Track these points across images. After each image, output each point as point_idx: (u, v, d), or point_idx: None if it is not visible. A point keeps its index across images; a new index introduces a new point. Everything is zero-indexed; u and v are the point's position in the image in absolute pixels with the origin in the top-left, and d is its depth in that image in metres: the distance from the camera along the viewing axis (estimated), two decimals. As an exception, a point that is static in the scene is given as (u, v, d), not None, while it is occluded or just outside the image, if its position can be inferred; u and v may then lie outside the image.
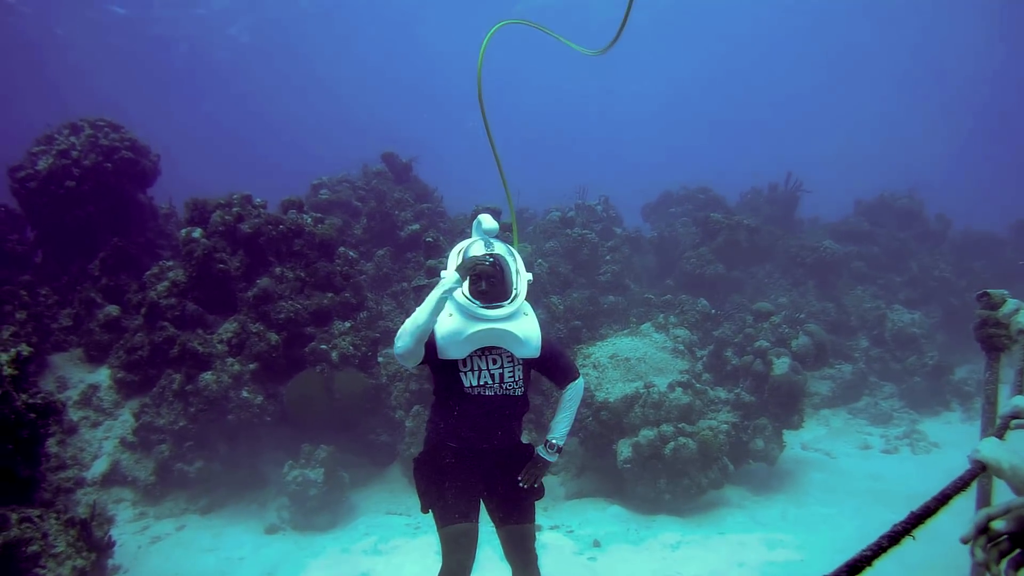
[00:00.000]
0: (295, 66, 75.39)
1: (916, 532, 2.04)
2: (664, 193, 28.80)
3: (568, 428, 6.09)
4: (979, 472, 2.69)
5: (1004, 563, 2.30)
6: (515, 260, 5.92)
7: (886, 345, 18.67)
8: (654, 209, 28.49)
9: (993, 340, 5.70)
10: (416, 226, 17.69)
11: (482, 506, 6.13)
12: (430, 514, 5.94)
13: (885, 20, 64.57)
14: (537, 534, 9.96)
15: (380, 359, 13.49)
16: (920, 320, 19.10)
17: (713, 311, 16.21)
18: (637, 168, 53.89)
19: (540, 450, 6.04)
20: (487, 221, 5.99)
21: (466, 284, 5.66)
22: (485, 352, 5.72)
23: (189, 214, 14.84)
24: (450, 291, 5.48)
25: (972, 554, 2.41)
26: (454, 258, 5.88)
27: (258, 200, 14.99)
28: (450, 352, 5.60)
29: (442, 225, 18.53)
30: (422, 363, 5.68)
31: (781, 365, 13.12)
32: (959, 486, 2.37)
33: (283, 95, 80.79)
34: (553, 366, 6.00)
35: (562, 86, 78.44)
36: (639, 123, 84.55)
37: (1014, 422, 3.23)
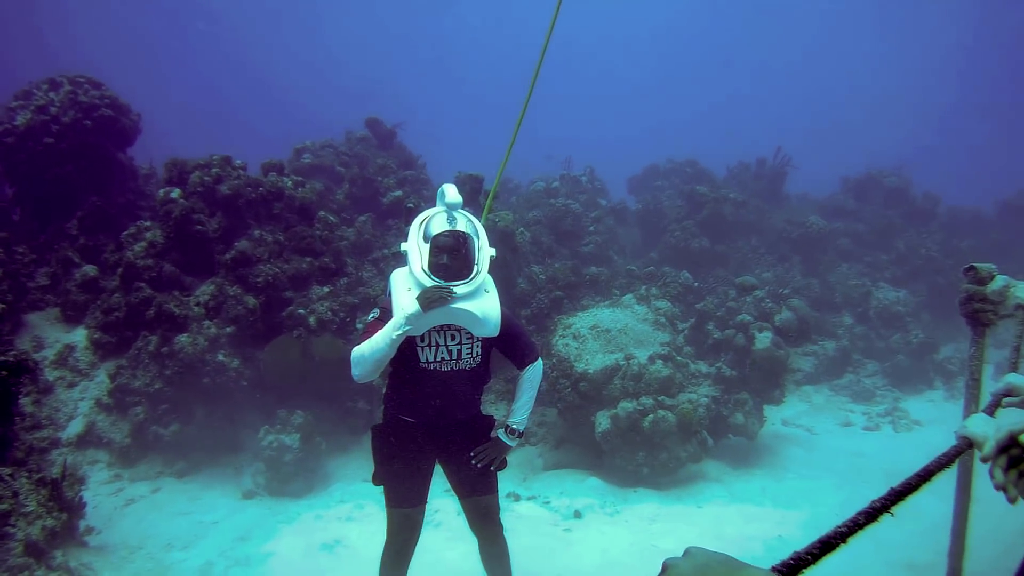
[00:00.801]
0: (283, 27, 75.13)
1: (896, 509, 1.94)
2: (651, 166, 28.73)
3: (529, 411, 6.08)
4: (964, 449, 2.59)
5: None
6: (479, 235, 5.77)
7: (870, 323, 18.65)
8: (640, 182, 28.42)
9: (979, 315, 5.61)
10: (399, 192, 17.54)
11: (443, 478, 6.12)
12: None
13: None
14: (514, 504, 9.91)
15: (359, 325, 13.36)
16: (905, 298, 19.08)
17: (696, 284, 16.15)
18: (624, 141, 53.69)
19: (500, 434, 6.02)
20: (450, 193, 5.82)
21: (426, 256, 5.52)
22: (444, 328, 5.64)
23: (168, 174, 14.68)
24: (407, 333, 5.41)
25: (991, 475, 2.40)
26: (416, 229, 5.70)
27: (238, 162, 14.82)
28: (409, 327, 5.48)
29: (425, 192, 18.37)
30: None
31: (763, 339, 13.04)
32: (943, 463, 2.28)
33: (269, 56, 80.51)
34: (512, 346, 5.96)
35: (553, 51, 78.39)
36: (628, 94, 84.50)
37: (1006, 400, 3.12)
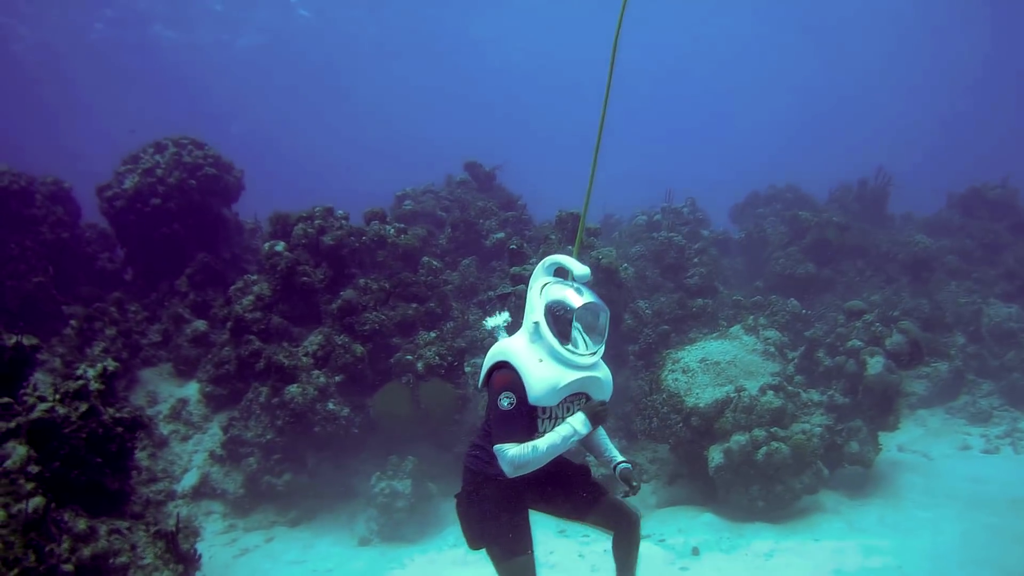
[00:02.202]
0: (385, 81, 75.86)
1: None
2: (751, 193, 28.48)
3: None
4: None
5: None
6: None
7: (983, 341, 18.22)
8: (741, 210, 28.16)
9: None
10: (501, 234, 17.59)
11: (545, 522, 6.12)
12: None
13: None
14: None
15: (467, 369, 13.39)
16: (1018, 314, 18.61)
17: (804, 311, 15.95)
18: (725, 171, 53.40)
19: (626, 467, 5.97)
20: (578, 268, 5.70)
21: (550, 325, 5.53)
22: (568, 399, 5.60)
23: (272, 228, 14.92)
24: (580, 436, 5.44)
25: None
26: (536, 297, 5.68)
27: (340, 212, 15.01)
28: (544, 400, 5.44)
29: (527, 232, 18.39)
30: None
31: (875, 365, 12.82)
32: None
33: (370, 111, 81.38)
34: None
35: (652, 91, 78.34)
36: (729, 127, 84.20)
37: None
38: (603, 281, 13.89)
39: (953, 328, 18.75)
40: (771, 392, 11.75)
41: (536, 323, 5.52)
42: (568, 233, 14.72)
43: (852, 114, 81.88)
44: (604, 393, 5.61)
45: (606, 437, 6.11)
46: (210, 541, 11.18)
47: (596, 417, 5.42)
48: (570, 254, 5.86)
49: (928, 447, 14.36)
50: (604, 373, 5.66)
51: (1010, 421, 15.52)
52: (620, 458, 5.99)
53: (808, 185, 27.87)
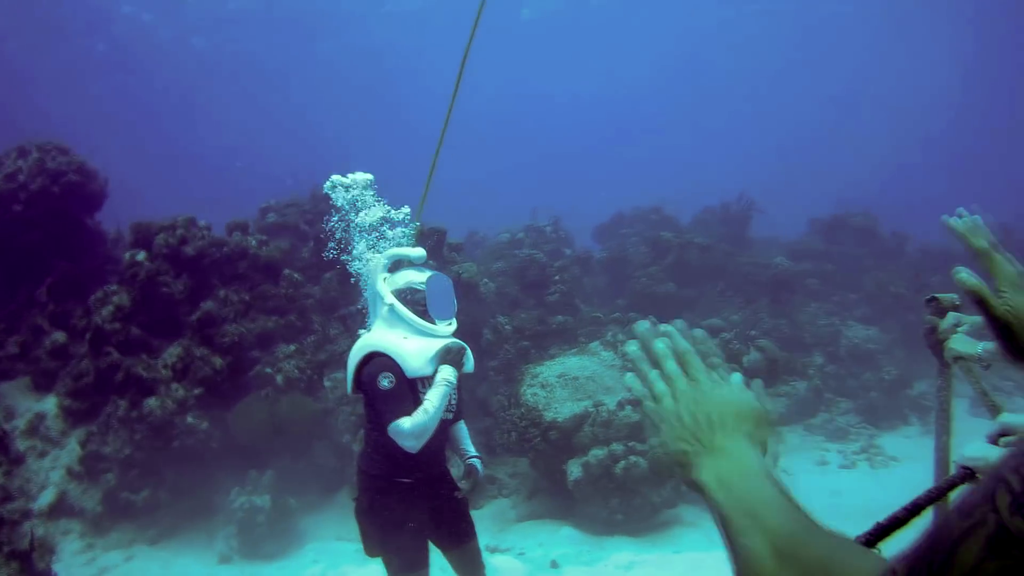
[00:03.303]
0: (249, 84, 75.06)
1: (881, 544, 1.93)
2: (616, 214, 28.91)
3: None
4: (964, 479, 2.54)
5: None
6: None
7: (842, 362, 18.66)
8: (606, 230, 28.54)
9: (943, 347, 5.62)
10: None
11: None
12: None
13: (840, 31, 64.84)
14: (489, 556, 9.91)
15: (327, 383, 13.34)
16: (876, 336, 19.09)
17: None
18: (591, 189, 53.90)
19: (475, 462, 6.18)
20: (413, 252, 6.15)
21: (405, 304, 5.85)
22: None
23: (133, 236, 14.63)
24: (454, 385, 5.75)
25: None
26: (382, 288, 5.98)
27: (202, 222, 14.79)
28: (421, 370, 5.70)
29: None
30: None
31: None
32: (934, 495, 2.22)
33: (237, 112, 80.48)
34: None
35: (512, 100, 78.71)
36: (594, 143, 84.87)
37: (1002, 440, 3.12)
38: (463, 295, 13.94)
39: (812, 348, 19.16)
40: (629, 407, 11.89)
41: (390, 305, 5.81)
42: (432, 245, 14.78)
43: (717, 137, 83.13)
44: (470, 363, 5.98)
45: (467, 434, 6.33)
46: (68, 561, 10.98)
47: (456, 360, 5.79)
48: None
49: (787, 463, 14.59)
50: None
51: (867, 438, 15.92)
52: (473, 453, 6.23)
53: (672, 207, 28.33)
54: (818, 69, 72.75)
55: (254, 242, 14.82)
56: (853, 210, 26.71)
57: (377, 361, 5.74)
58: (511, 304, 16.80)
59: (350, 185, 6.57)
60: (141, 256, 13.79)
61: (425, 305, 5.86)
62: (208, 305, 13.24)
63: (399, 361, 5.64)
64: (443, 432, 5.93)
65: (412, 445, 5.51)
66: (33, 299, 15.91)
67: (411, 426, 5.44)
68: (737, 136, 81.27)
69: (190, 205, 15.97)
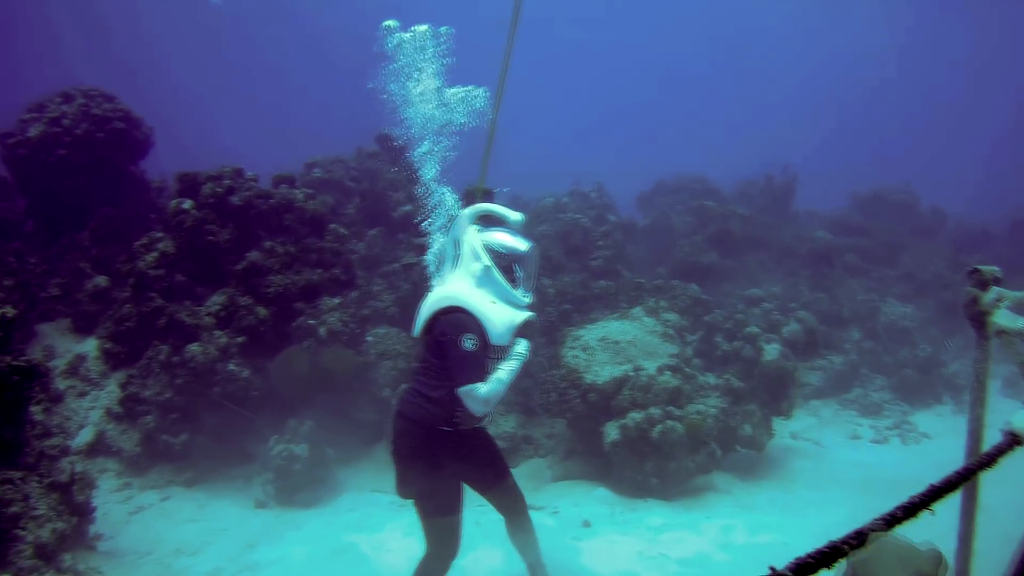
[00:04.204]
0: (291, 40, 74.98)
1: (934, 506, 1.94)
2: (658, 182, 28.76)
3: None
4: (1012, 445, 2.54)
5: None
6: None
7: (878, 338, 18.60)
8: (648, 198, 28.40)
9: (983, 319, 5.60)
10: (409, 207, 17.53)
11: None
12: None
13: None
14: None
15: (369, 338, 13.37)
16: (913, 313, 19.04)
17: (704, 296, 16.12)
18: (633, 159, 53.60)
19: None
20: (512, 215, 6.25)
21: (499, 269, 5.95)
22: None
23: (179, 186, 14.65)
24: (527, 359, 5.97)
25: None
26: (476, 243, 6.03)
27: (249, 174, 14.84)
28: (502, 339, 5.80)
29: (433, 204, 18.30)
30: None
31: (771, 351, 13.05)
32: (984, 461, 2.24)
33: (278, 70, 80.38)
34: None
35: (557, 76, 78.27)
36: (636, 113, 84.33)
37: None
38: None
39: (849, 323, 19.10)
40: (668, 372, 11.92)
41: (487, 267, 5.83)
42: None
43: (760, 112, 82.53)
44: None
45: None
46: (105, 498, 11.04)
47: (531, 335, 6.04)
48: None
49: (820, 436, 14.65)
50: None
51: (899, 414, 15.93)
52: None
53: (716, 179, 28.21)
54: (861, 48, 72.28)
55: (300, 195, 14.82)
56: (894, 186, 26.55)
57: (461, 318, 5.77)
58: (554, 268, 16.77)
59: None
60: (187, 204, 13.83)
61: (514, 273, 5.88)
62: (254, 255, 13.27)
63: (487, 326, 5.70)
64: None
65: (480, 410, 5.60)
66: (75, 243, 16.01)
67: (486, 393, 5.54)
68: (782, 108, 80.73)
69: (234, 159, 15.88)
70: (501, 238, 6.03)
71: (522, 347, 5.90)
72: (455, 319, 5.75)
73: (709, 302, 15.98)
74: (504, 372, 5.69)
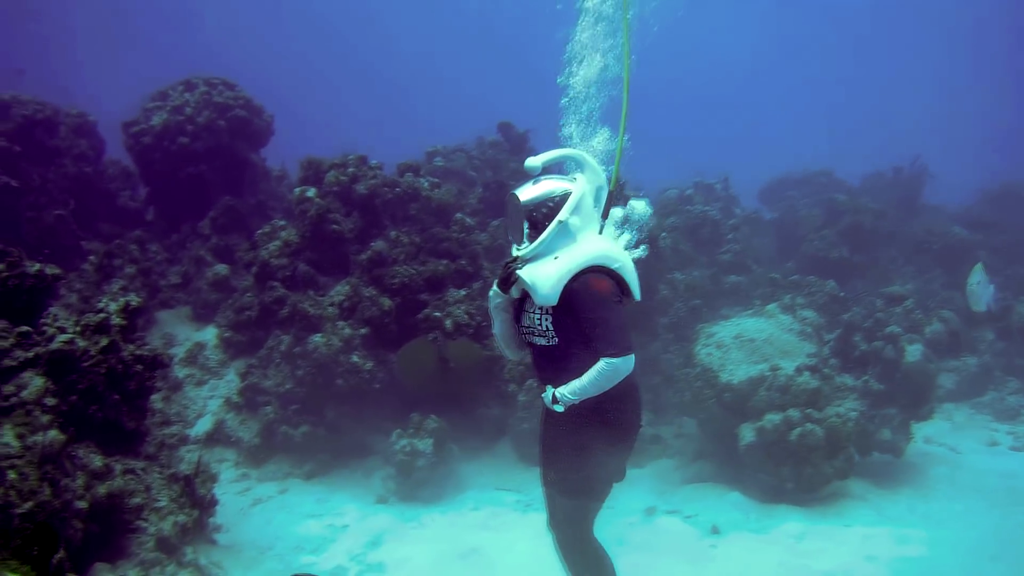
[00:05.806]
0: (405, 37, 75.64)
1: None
2: (782, 175, 28.24)
3: (576, 393, 5.14)
4: None
5: None
6: (551, 199, 5.40)
7: (1012, 339, 17.93)
8: (771, 191, 27.93)
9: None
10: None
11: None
12: (538, 490, 5.75)
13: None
14: (652, 518, 9.55)
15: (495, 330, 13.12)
16: (1049, 314, 18.36)
17: (841, 293, 15.63)
18: (753, 152, 53.07)
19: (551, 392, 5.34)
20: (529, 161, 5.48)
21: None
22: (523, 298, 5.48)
23: (303, 173, 14.59)
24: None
25: None
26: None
27: (374, 162, 14.66)
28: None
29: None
30: None
31: (914, 352, 12.51)
32: None
33: (396, 62, 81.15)
34: (578, 323, 5.21)
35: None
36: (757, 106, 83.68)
37: None
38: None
39: (982, 323, 18.45)
40: (807, 373, 11.47)
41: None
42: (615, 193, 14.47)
43: (878, 106, 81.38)
44: (533, 295, 5.32)
45: (583, 381, 5.27)
46: (223, 489, 10.88)
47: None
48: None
49: (956, 441, 14.07)
50: (533, 272, 5.34)
51: (1038, 419, 15.27)
52: (558, 392, 5.26)
53: (839, 172, 27.65)
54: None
55: (426, 184, 14.61)
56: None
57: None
58: (683, 261, 16.41)
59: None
60: (311, 192, 13.68)
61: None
62: (378, 245, 13.06)
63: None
64: (536, 353, 5.53)
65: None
66: (196, 231, 16.11)
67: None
68: (907, 98, 79.50)
69: (354, 147, 15.73)
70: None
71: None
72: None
73: (847, 299, 15.49)
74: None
